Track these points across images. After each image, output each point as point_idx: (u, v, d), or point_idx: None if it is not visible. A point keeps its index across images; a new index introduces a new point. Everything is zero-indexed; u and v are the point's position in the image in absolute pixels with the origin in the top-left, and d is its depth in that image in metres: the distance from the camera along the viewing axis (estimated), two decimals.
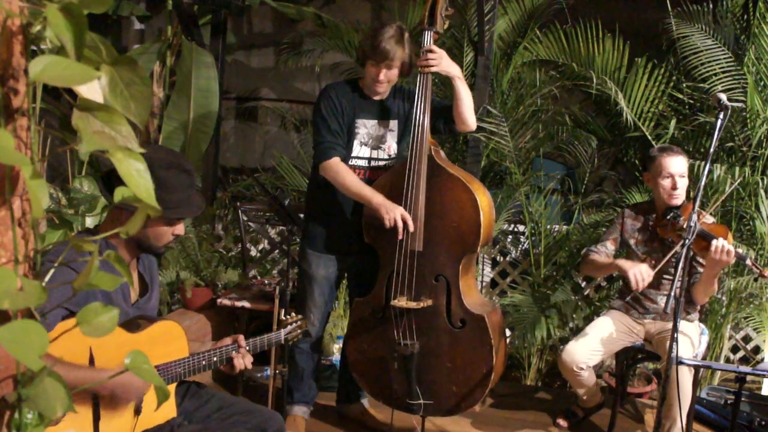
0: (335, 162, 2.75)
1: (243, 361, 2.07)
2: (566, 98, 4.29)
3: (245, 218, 4.08)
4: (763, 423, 3.07)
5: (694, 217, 2.32)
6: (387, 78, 2.73)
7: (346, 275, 3.12)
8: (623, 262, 2.87)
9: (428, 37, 2.72)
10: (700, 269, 2.91)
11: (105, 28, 5.73)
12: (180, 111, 4.29)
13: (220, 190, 4.66)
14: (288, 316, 2.33)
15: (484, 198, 2.71)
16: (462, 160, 4.10)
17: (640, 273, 2.75)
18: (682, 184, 2.89)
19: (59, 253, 1.62)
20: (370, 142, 2.87)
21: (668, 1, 3.83)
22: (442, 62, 2.68)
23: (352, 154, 2.85)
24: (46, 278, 0.88)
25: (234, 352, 2.07)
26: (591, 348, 2.93)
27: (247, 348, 2.10)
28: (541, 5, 4.08)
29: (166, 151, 2.03)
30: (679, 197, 2.89)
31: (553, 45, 3.98)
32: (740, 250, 2.73)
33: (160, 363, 1.91)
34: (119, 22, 5.99)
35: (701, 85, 3.79)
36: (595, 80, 3.79)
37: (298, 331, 2.33)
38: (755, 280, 3.48)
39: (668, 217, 2.85)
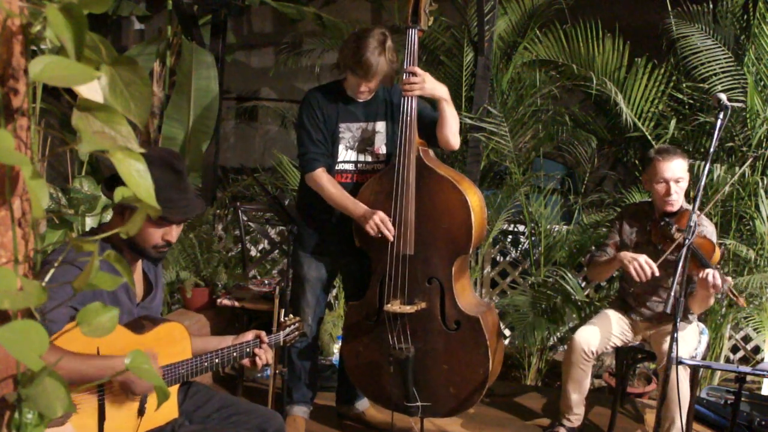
0: (318, 174, 2.75)
1: (266, 356, 2.13)
2: (566, 98, 4.29)
3: (245, 218, 4.08)
4: (763, 423, 3.06)
5: (694, 217, 2.32)
6: (368, 89, 2.70)
7: (340, 277, 3.11)
8: (623, 255, 2.78)
9: (412, 35, 2.67)
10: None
11: (105, 28, 5.73)
12: (180, 111, 4.29)
13: (220, 190, 4.66)
14: (286, 318, 2.35)
15: (474, 198, 2.68)
16: (462, 160, 4.10)
17: (639, 265, 2.68)
18: (678, 189, 2.78)
19: (62, 253, 1.62)
20: (356, 145, 2.83)
21: (668, 1, 3.83)
22: (426, 85, 2.63)
23: (339, 159, 2.82)
24: (47, 278, 0.88)
25: (257, 347, 2.12)
26: (602, 334, 2.91)
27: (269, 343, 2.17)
28: (541, 5, 4.08)
29: (162, 150, 2.01)
30: (675, 203, 2.79)
31: (553, 45, 3.97)
32: (729, 279, 2.68)
33: (168, 363, 1.93)
34: (119, 22, 6.00)
35: (701, 85, 3.79)
36: (595, 80, 3.78)
37: (296, 333, 2.35)
38: (730, 305, 3.52)
39: (661, 224, 2.77)
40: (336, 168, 2.82)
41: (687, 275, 2.81)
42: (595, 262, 3.00)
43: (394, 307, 2.68)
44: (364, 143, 2.85)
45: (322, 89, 2.84)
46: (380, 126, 2.84)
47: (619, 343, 3.02)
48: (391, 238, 2.67)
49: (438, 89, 2.67)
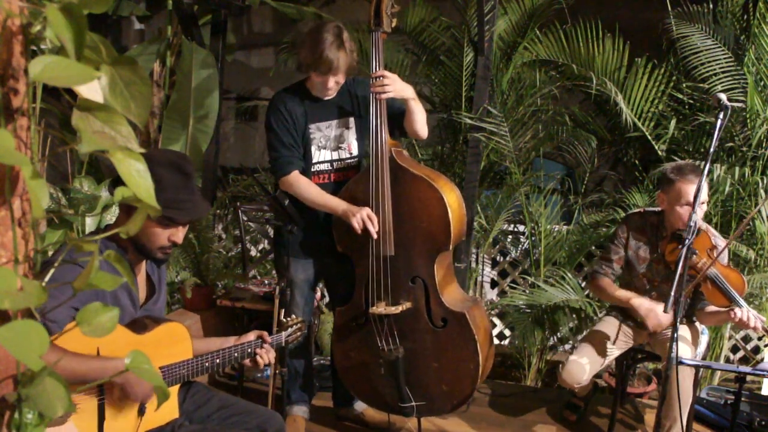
0: (294, 176, 2.74)
1: (267, 356, 2.14)
2: (566, 98, 4.29)
3: (245, 218, 4.08)
4: (763, 423, 3.06)
5: (695, 216, 2.32)
6: (336, 84, 2.70)
7: (324, 279, 3.12)
8: (639, 304, 2.78)
9: (376, 38, 2.67)
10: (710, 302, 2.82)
11: (105, 28, 5.73)
12: (180, 111, 4.28)
13: (220, 190, 4.66)
14: (288, 319, 2.35)
15: (451, 194, 2.69)
16: (462, 160, 4.10)
17: (658, 320, 2.73)
18: (701, 211, 2.71)
19: (62, 254, 1.62)
20: (329, 144, 2.83)
21: (668, 1, 3.83)
22: (396, 86, 2.65)
23: (313, 161, 2.82)
24: (47, 277, 0.88)
25: (259, 347, 2.13)
26: (590, 365, 2.90)
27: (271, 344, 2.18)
28: (541, 5, 4.08)
29: (171, 152, 2.02)
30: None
31: (553, 45, 3.98)
32: (762, 318, 2.62)
33: (168, 363, 1.93)
34: (119, 22, 6.00)
35: (701, 85, 3.79)
36: (595, 80, 3.79)
37: (298, 334, 2.36)
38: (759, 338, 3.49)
39: (680, 247, 2.71)
40: (312, 170, 2.82)
41: (713, 307, 2.79)
42: (604, 289, 2.93)
43: (380, 309, 2.69)
44: (337, 141, 2.85)
45: (288, 92, 2.82)
46: (349, 122, 2.85)
47: (619, 353, 2.99)
48: (375, 236, 2.67)
49: (406, 90, 2.70)
